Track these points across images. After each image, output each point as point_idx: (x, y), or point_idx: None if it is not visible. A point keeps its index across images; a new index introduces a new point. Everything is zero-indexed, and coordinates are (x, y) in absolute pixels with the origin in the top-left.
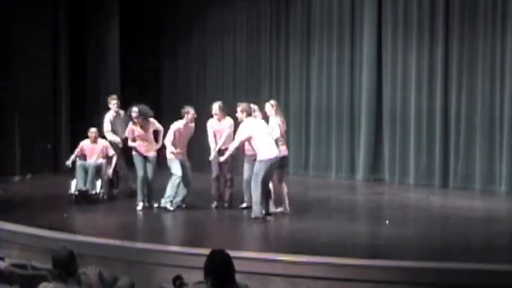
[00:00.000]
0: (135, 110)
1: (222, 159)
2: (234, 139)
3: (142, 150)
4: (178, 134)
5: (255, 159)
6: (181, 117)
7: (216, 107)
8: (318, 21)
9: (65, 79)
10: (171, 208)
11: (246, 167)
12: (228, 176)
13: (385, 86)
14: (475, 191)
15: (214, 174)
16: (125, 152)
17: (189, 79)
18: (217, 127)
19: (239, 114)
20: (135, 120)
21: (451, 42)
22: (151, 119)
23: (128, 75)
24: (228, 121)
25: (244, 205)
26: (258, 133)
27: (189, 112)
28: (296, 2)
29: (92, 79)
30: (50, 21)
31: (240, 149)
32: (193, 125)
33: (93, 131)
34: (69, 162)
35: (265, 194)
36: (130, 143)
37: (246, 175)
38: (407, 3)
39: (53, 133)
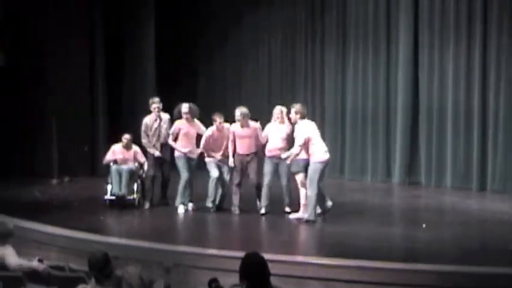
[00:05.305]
0: (186, 106)
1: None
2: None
3: (185, 150)
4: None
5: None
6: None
7: (237, 113)
8: (354, 24)
9: (101, 82)
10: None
11: (267, 169)
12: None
13: (421, 88)
14: None
15: (237, 179)
16: (160, 160)
17: (225, 83)
18: (240, 133)
19: (293, 115)
20: (185, 116)
21: (488, 41)
22: (198, 121)
23: (164, 78)
24: (253, 125)
25: (263, 211)
26: (314, 135)
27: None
28: (331, 6)
29: (128, 82)
30: (86, 24)
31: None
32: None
33: (126, 137)
34: (105, 162)
35: (320, 195)
36: (171, 142)
37: (267, 180)
38: (444, 3)
39: (90, 136)
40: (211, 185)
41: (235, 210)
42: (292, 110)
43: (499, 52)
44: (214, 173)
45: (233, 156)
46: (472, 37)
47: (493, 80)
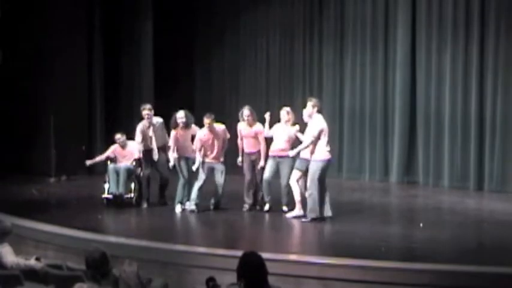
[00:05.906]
0: (181, 112)
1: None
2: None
3: (185, 153)
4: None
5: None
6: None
7: (245, 112)
8: (352, 22)
9: (99, 81)
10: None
11: (268, 166)
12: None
13: (419, 87)
14: (511, 194)
15: (248, 177)
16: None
17: (223, 82)
18: (246, 132)
19: (309, 109)
20: (180, 121)
21: (486, 43)
22: (193, 125)
23: (161, 78)
24: (258, 126)
25: (267, 207)
26: (325, 131)
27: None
28: (329, 4)
29: (126, 82)
30: (85, 24)
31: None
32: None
33: (118, 137)
34: (89, 162)
35: (322, 194)
36: (171, 153)
37: (267, 175)
38: (441, 3)
39: (87, 135)
40: (196, 186)
41: (245, 207)
42: (310, 103)
43: (496, 52)
44: (201, 176)
45: (241, 154)
46: (470, 36)
47: (490, 80)
